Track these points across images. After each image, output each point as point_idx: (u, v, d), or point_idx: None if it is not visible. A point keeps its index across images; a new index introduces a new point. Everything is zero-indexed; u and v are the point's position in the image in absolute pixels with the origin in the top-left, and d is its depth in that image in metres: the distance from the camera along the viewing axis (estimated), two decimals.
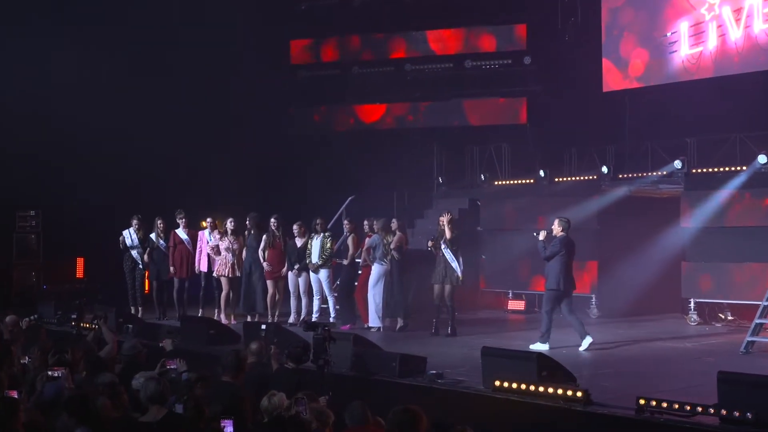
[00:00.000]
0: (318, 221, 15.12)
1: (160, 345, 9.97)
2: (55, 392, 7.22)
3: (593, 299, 16.74)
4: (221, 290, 15.77)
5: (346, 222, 15.56)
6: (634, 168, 17.03)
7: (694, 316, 15.49)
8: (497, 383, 9.06)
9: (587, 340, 12.40)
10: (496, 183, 19.08)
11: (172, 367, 8.63)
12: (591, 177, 17.41)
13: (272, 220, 15.43)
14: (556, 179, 17.97)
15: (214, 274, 15.79)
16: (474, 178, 19.60)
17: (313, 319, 15.06)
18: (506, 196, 18.56)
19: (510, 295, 18.02)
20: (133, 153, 18.85)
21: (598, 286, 16.74)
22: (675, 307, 16.25)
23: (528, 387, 8.80)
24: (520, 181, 18.65)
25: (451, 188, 19.89)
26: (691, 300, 15.61)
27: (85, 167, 18.74)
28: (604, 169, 17.08)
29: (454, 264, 13.86)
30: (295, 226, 15.34)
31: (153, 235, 16.22)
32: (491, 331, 14.86)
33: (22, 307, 16.46)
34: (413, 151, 20.05)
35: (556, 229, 12.60)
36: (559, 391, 8.54)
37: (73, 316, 13.23)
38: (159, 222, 16.33)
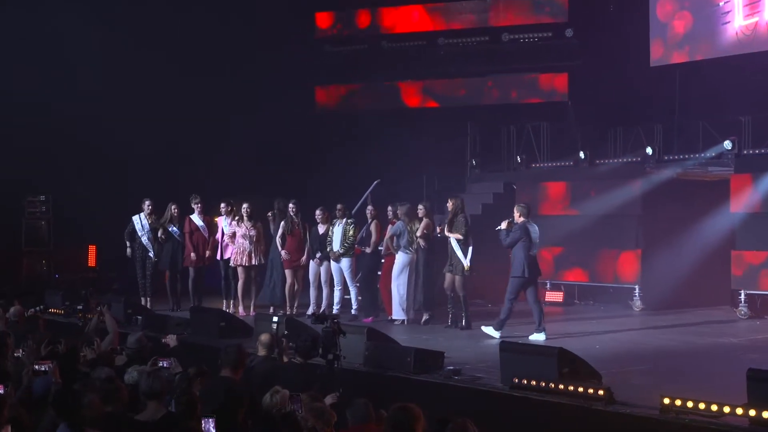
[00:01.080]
0: (339, 206, 15.18)
1: (163, 341, 10.08)
2: (44, 387, 7.38)
3: (636, 290, 16.69)
4: (236, 280, 15.89)
5: (369, 207, 15.66)
6: (682, 149, 16.90)
7: (745, 309, 15.37)
8: (515, 380, 9.11)
9: (541, 336, 12.81)
10: (533, 165, 19.04)
11: (163, 365, 8.74)
12: (635, 159, 17.30)
13: (290, 205, 15.53)
14: (598, 161, 17.88)
15: (231, 263, 15.94)
16: (510, 160, 19.56)
17: (334, 311, 15.24)
18: (544, 179, 18.54)
19: (548, 286, 17.99)
20: (146, 135, 19.11)
21: (642, 276, 16.68)
22: (724, 299, 16.13)
23: (547, 385, 8.83)
24: (558, 163, 18.59)
25: (485, 171, 19.88)
26: (742, 291, 15.49)
27: (96, 150, 19.03)
28: (649, 150, 16.98)
29: (459, 253, 13.83)
30: (317, 212, 15.41)
31: (166, 222, 16.37)
32: (522, 324, 14.88)
33: (31, 297, 16.85)
34: (445, 131, 20.03)
35: (516, 215, 13.21)
36: (580, 389, 8.57)
37: (79, 307, 13.49)
38: (173, 207, 16.46)
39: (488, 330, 13.07)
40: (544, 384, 8.87)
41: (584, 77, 20.01)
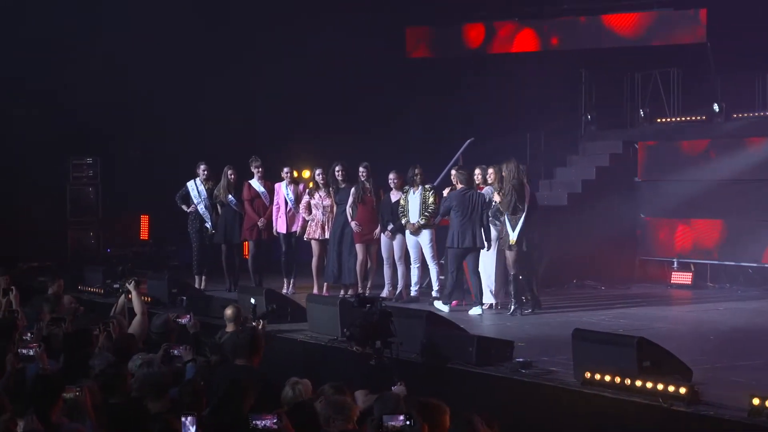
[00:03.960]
0: (416, 170, 15.23)
1: (182, 322, 10.39)
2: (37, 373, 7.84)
3: None
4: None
5: (453, 171, 15.58)
6: None
7: None
8: (587, 375, 9.21)
9: (477, 310, 14.13)
10: (658, 120, 18.89)
11: (175, 353, 9.07)
12: None
13: (361, 168, 15.65)
14: (736, 115, 17.65)
15: (305, 237, 16.28)
16: (633, 114, 19.44)
17: (413, 293, 15.49)
18: (672, 137, 18.40)
19: (675, 265, 17.88)
20: (202, 93, 19.64)
21: None
22: None
23: (623, 380, 8.90)
24: (689, 118, 18.42)
25: (602, 128, 19.80)
26: None
27: (148, 109, 19.71)
28: None
29: (508, 225, 14.07)
30: (391, 176, 15.54)
31: (223, 189, 16.77)
32: (634, 307, 14.96)
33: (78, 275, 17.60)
34: (554, 80, 19.93)
35: (455, 182, 14.43)
36: (660, 387, 8.62)
37: (116, 286, 13.96)
38: (229, 173, 16.81)
39: (438, 305, 14.24)
40: (619, 379, 8.93)
41: (728, 13, 19.58)
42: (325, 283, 16.02)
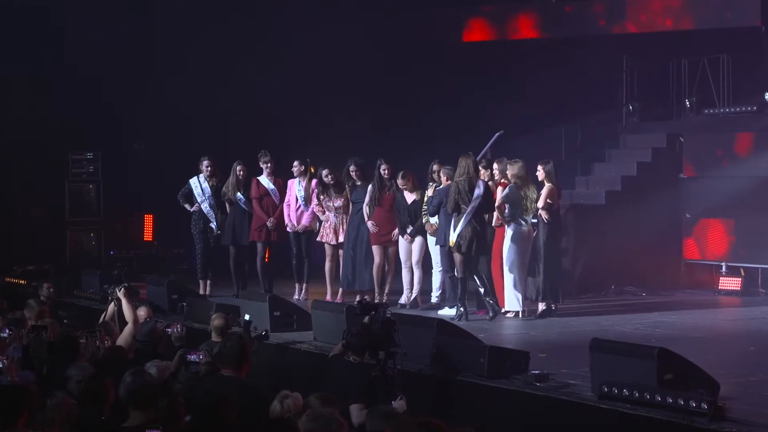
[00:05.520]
0: (435, 167, 15.39)
1: (168, 331, 10.57)
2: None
3: None
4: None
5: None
6: None
7: None
8: (604, 389, 9.28)
9: (449, 312, 14.51)
10: (706, 111, 18.89)
11: (191, 359, 9.24)
12: None
13: (381, 166, 15.69)
14: None
15: (318, 238, 16.41)
16: (678, 104, 19.44)
17: (433, 299, 15.60)
18: (720, 129, 18.39)
19: (723, 270, 17.89)
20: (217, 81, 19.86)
21: None
22: None
23: (642, 394, 8.97)
24: (738, 109, 18.42)
25: (644, 119, 19.79)
26: None
27: (154, 98, 19.90)
28: None
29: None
30: (400, 181, 15.57)
31: (231, 186, 16.90)
32: (674, 315, 15.01)
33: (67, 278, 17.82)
34: (593, 67, 20.00)
35: (443, 178, 14.78)
36: (680, 401, 8.68)
37: (110, 290, 14.14)
38: (238, 168, 16.93)
39: (443, 312, 14.64)
40: (638, 393, 9.00)
41: None
42: (340, 289, 16.12)
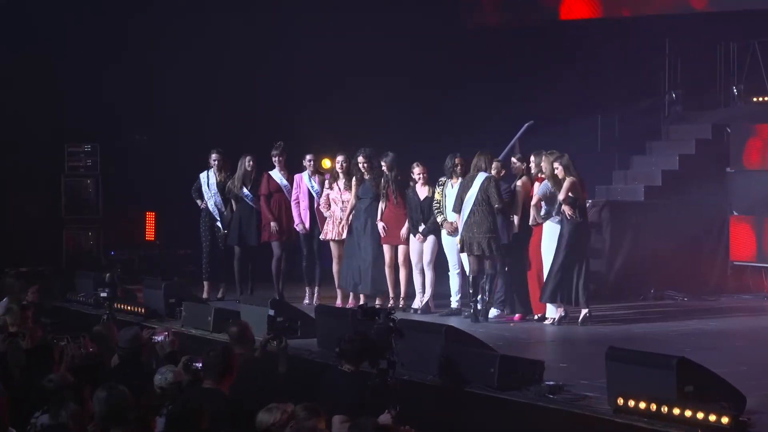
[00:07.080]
0: (456, 160, 15.34)
1: (153, 339, 10.64)
2: None
3: None
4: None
5: (514, 160, 15.68)
6: None
7: None
8: (620, 401, 9.33)
9: (494, 311, 14.98)
10: (755, 100, 18.87)
11: (197, 366, 9.34)
12: None
13: (387, 159, 15.73)
14: None
15: (321, 236, 16.46)
16: (726, 92, 19.43)
17: (453, 305, 15.63)
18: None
19: None
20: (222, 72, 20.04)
21: None
22: None
23: (660, 408, 9.01)
24: None
25: (688, 108, 19.78)
26: None
27: (157, 87, 20.01)
28: None
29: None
30: (416, 170, 15.61)
31: (238, 181, 16.97)
32: (715, 321, 15.01)
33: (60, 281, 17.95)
34: (631, 52, 19.99)
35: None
36: (699, 415, 8.72)
37: (103, 295, 14.25)
38: (248, 161, 16.97)
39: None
40: (655, 407, 9.04)
41: None
42: (351, 293, 16.15)
